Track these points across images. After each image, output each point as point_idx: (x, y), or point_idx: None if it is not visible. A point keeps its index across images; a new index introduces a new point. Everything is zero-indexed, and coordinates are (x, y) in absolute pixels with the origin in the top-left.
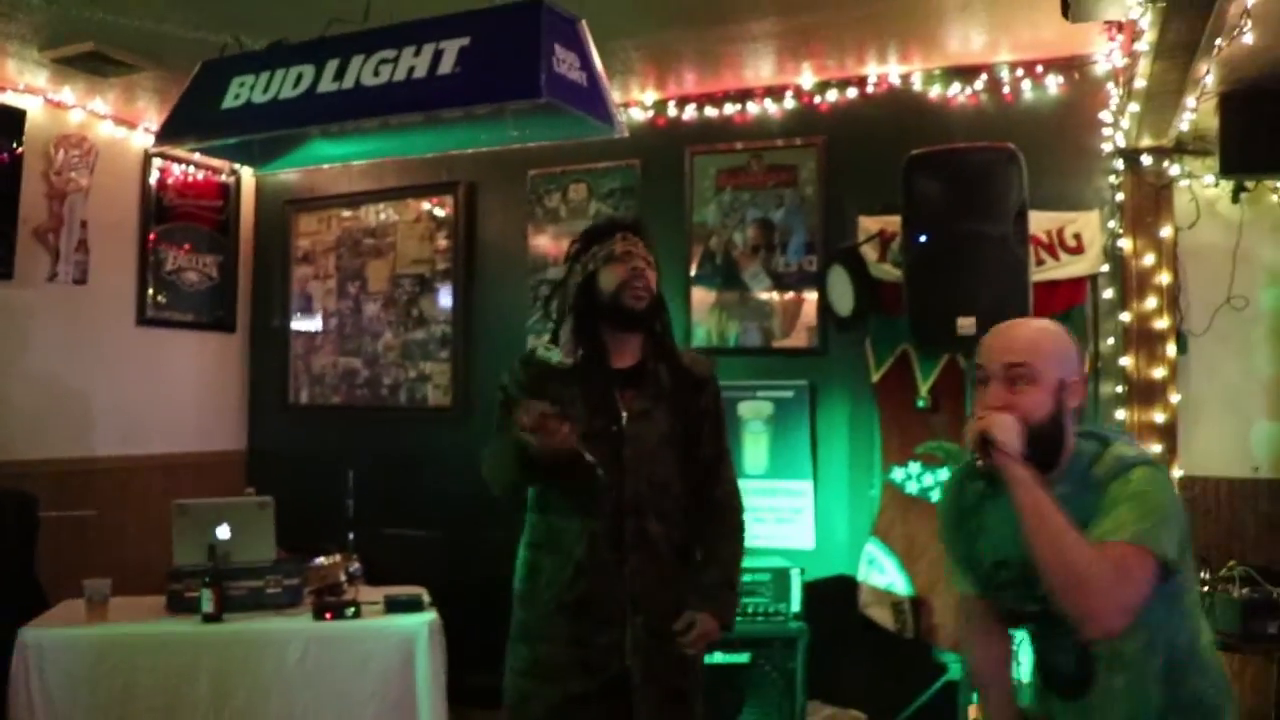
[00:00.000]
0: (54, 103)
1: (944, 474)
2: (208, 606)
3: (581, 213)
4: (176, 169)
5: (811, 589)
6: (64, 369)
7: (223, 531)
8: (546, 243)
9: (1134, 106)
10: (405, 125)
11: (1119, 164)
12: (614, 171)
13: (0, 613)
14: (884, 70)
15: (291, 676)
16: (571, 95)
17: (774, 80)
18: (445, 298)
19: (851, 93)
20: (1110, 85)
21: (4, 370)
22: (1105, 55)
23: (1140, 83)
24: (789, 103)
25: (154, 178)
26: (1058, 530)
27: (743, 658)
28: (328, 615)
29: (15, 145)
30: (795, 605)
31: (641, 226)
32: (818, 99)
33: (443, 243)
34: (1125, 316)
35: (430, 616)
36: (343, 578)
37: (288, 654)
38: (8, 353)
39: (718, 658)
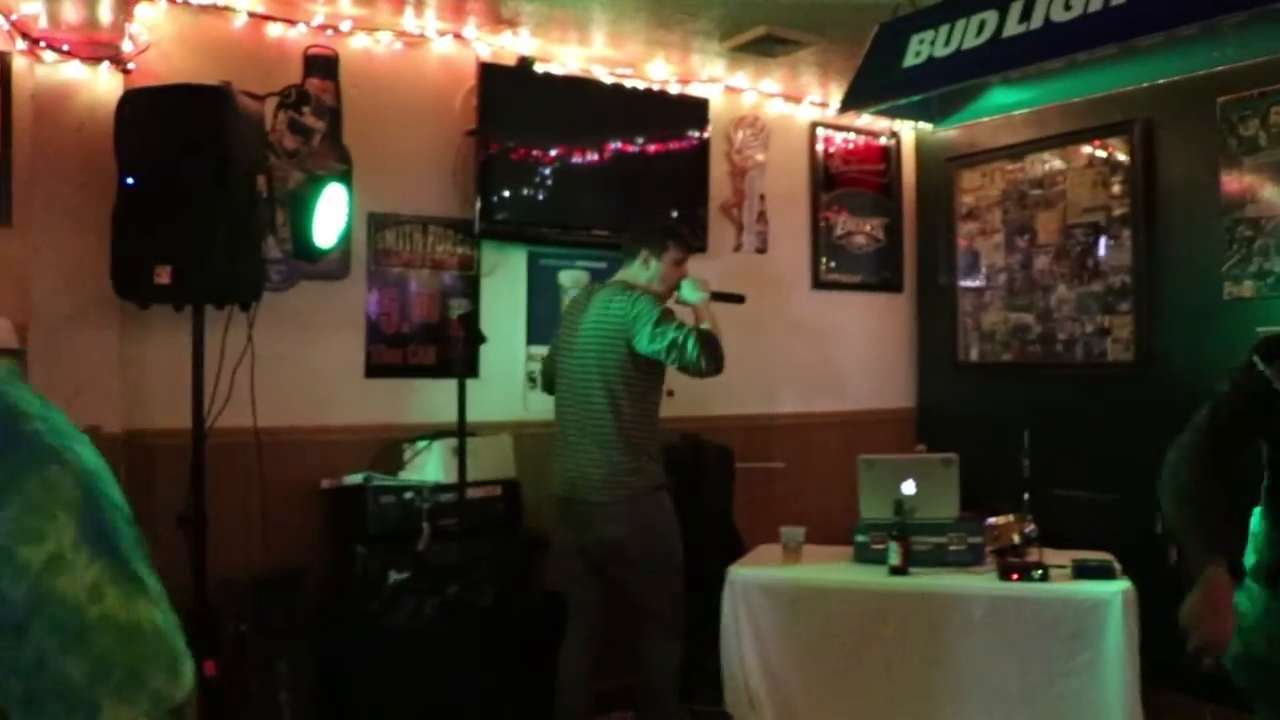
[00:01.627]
0: (730, 88)
1: None
2: (894, 559)
3: None
4: (839, 137)
5: None
6: (750, 333)
7: (908, 487)
8: (1243, 177)
9: None
10: (1093, 61)
11: None
12: None
13: (711, 549)
14: None
15: (975, 633)
16: None
17: None
18: (1124, 246)
19: None
20: None
21: None
22: None
23: None
24: None
25: (820, 148)
26: None
27: None
28: (1014, 576)
29: (703, 132)
30: None
31: None
32: None
33: (1118, 188)
34: None
35: (1124, 585)
36: (1017, 539)
37: (972, 611)
38: None
39: None
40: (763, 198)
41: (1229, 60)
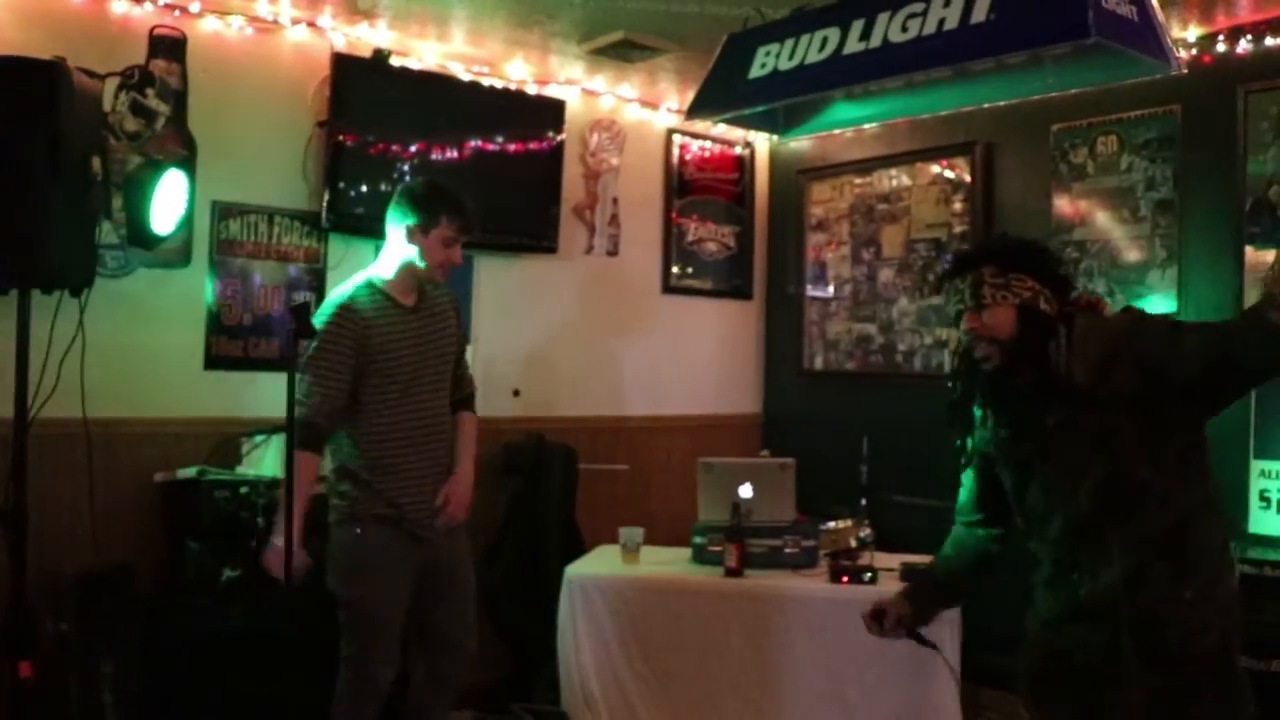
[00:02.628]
0: (588, 91)
1: None
2: (729, 561)
3: (1112, 168)
4: (695, 145)
5: None
6: (599, 335)
7: (745, 490)
8: (1073, 202)
9: None
10: (930, 81)
11: None
12: (1149, 120)
13: (552, 550)
14: None
15: (807, 633)
16: (1121, 32)
17: None
18: None
19: None
20: None
21: (551, 337)
22: None
23: None
24: None
25: (675, 154)
26: None
27: None
28: (844, 579)
29: (558, 133)
30: None
31: (970, 258)
32: None
33: (959, 206)
34: None
35: None
36: (853, 543)
37: (804, 612)
38: (554, 321)
39: None
40: (616, 201)
41: (1055, 89)
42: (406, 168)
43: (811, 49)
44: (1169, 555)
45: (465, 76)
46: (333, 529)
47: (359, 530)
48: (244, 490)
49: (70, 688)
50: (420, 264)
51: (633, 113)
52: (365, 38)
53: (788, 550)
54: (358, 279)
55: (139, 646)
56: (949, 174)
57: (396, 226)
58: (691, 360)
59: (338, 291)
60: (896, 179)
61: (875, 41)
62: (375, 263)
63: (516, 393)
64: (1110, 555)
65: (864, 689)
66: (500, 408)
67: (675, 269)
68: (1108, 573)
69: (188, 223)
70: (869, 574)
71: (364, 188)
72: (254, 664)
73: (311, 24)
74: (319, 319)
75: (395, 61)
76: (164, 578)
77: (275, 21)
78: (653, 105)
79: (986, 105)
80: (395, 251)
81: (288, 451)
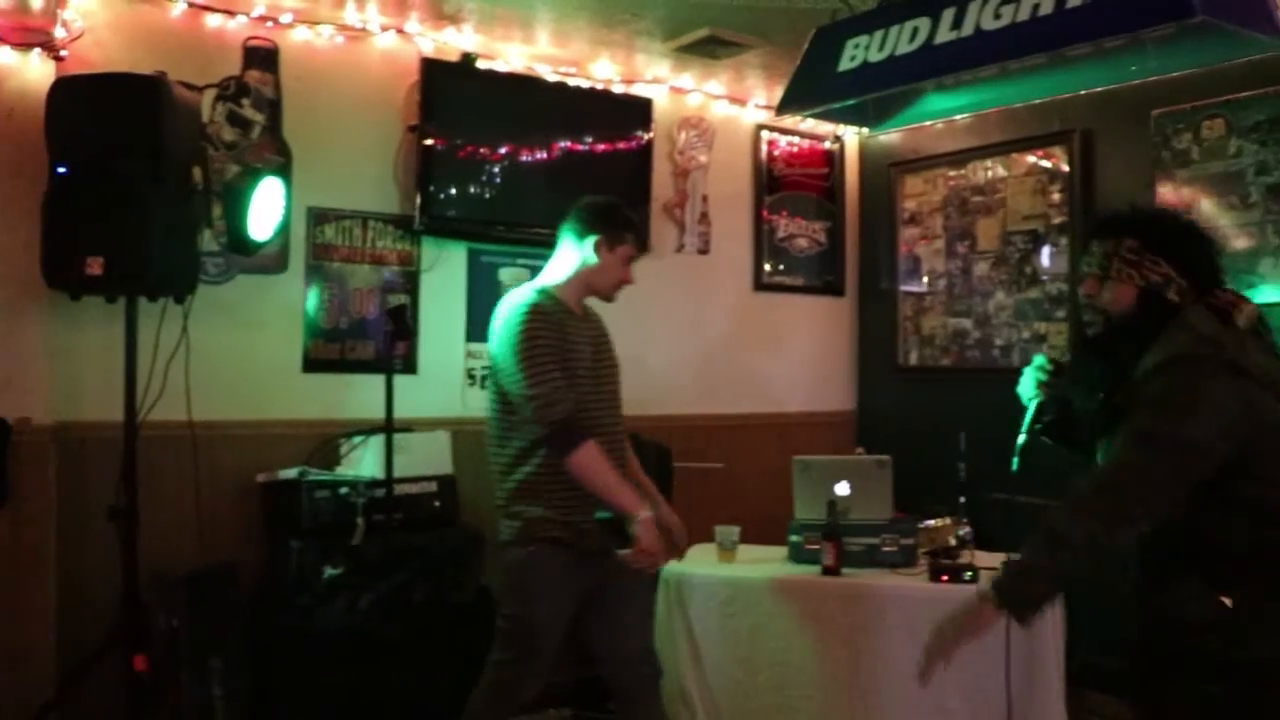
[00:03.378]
0: (675, 89)
1: None
2: (827, 560)
3: (1219, 153)
4: (783, 140)
5: None
6: (691, 333)
7: (841, 488)
8: (1178, 190)
9: None
10: (1024, 69)
11: None
12: (1259, 101)
13: None
14: None
15: (906, 634)
16: (1229, 9)
17: None
18: (1062, 254)
19: None
20: None
21: (643, 335)
22: None
23: None
24: None
25: (764, 150)
26: None
27: None
28: (944, 578)
29: (647, 132)
30: None
31: (1118, 224)
32: None
33: (1056, 196)
34: None
35: None
36: (952, 541)
37: (903, 612)
38: (646, 320)
39: None
40: (705, 199)
41: (1157, 72)
42: (496, 170)
43: (901, 40)
44: (1197, 559)
45: (552, 78)
46: (504, 547)
47: (530, 550)
48: (344, 491)
49: (182, 681)
50: (598, 279)
51: (720, 109)
52: (452, 42)
53: (886, 549)
54: (525, 289)
55: (245, 642)
56: (1045, 164)
57: (579, 240)
58: (784, 357)
59: (509, 302)
60: (991, 170)
61: (967, 30)
62: (540, 275)
63: None
64: (1132, 555)
65: (964, 692)
66: None
67: (766, 266)
68: (1132, 572)
69: (284, 229)
70: (969, 573)
71: (454, 190)
72: (356, 660)
73: (400, 30)
74: (510, 327)
75: (482, 64)
76: (267, 576)
77: (364, 29)
78: (740, 101)
79: (1083, 91)
80: (568, 264)
81: (387, 453)
